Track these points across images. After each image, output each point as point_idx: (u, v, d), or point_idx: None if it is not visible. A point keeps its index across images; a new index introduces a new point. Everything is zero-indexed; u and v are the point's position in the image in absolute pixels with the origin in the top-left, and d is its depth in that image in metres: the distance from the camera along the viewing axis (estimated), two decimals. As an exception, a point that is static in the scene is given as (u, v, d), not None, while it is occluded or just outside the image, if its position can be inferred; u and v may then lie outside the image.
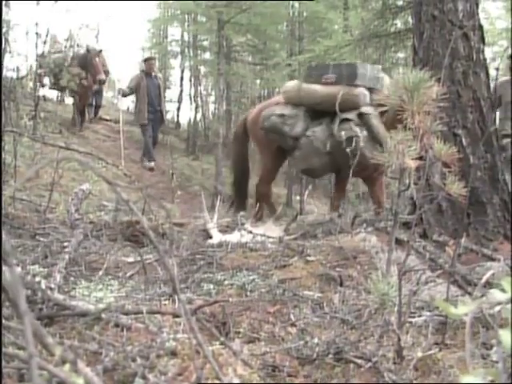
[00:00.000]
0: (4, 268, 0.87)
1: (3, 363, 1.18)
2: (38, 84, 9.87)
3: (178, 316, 1.77)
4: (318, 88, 5.94)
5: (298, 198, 12.52)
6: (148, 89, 11.86)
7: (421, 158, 1.76)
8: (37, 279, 1.80)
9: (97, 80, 12.01)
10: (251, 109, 7.41)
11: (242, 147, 6.89)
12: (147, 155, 12.00)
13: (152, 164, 11.93)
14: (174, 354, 1.46)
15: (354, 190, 10.52)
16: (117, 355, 1.38)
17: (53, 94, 13.89)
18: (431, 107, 1.70)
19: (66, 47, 12.33)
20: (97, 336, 1.54)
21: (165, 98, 13.01)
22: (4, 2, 7.68)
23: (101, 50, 12.72)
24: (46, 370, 0.89)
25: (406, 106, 1.67)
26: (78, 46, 12.31)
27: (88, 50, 12.06)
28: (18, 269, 2.05)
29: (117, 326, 1.67)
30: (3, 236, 0.82)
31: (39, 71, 10.50)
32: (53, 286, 1.92)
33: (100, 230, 3.71)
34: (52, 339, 0.96)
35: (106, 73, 12.73)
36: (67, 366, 0.87)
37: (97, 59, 12.07)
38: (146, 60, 12.58)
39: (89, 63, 11.93)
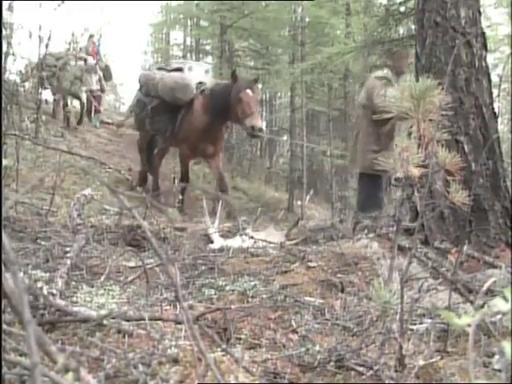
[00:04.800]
0: (7, 275, 0.87)
1: (5, 369, 1.18)
2: (39, 87, 9.84)
3: (179, 323, 1.77)
4: None
5: (299, 203, 12.54)
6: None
7: (424, 166, 1.76)
8: (39, 285, 1.80)
9: (250, 133, 7.28)
10: None
11: None
12: None
13: None
14: (175, 361, 1.46)
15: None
16: (118, 362, 1.38)
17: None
18: (436, 115, 1.70)
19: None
20: (98, 342, 1.53)
21: None
22: (7, 5, 7.70)
23: (257, 78, 8.17)
24: (49, 377, 0.88)
25: (412, 113, 1.67)
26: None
27: (234, 75, 7.40)
28: (21, 274, 2.05)
29: (119, 332, 1.67)
30: (7, 243, 0.82)
31: (41, 74, 10.36)
32: (54, 291, 1.92)
33: (101, 234, 3.72)
34: (55, 347, 0.96)
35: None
36: (70, 375, 0.87)
37: (249, 93, 7.23)
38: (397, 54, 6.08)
39: (234, 98, 7.16)
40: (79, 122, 12.71)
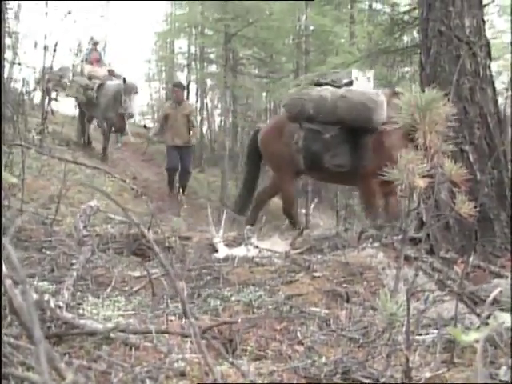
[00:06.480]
0: (16, 291, 0.87)
1: (13, 384, 1.18)
2: (46, 97, 9.82)
3: (186, 336, 1.76)
4: None
5: (303, 211, 12.49)
6: None
7: (430, 176, 1.76)
8: (45, 297, 1.80)
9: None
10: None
11: None
12: None
13: None
14: (182, 374, 1.46)
15: (361, 204, 10.48)
16: (126, 376, 1.38)
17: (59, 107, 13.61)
18: (442, 126, 1.70)
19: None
20: (106, 356, 1.53)
21: None
22: (14, 14, 7.75)
23: None
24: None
25: (418, 125, 1.67)
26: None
27: None
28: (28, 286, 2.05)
29: (125, 345, 1.66)
30: (15, 259, 0.83)
31: (47, 85, 10.28)
32: (61, 304, 1.92)
33: (106, 244, 3.71)
34: (63, 363, 0.96)
35: None
36: (79, 391, 0.87)
37: None
38: None
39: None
40: (104, 154, 11.59)
